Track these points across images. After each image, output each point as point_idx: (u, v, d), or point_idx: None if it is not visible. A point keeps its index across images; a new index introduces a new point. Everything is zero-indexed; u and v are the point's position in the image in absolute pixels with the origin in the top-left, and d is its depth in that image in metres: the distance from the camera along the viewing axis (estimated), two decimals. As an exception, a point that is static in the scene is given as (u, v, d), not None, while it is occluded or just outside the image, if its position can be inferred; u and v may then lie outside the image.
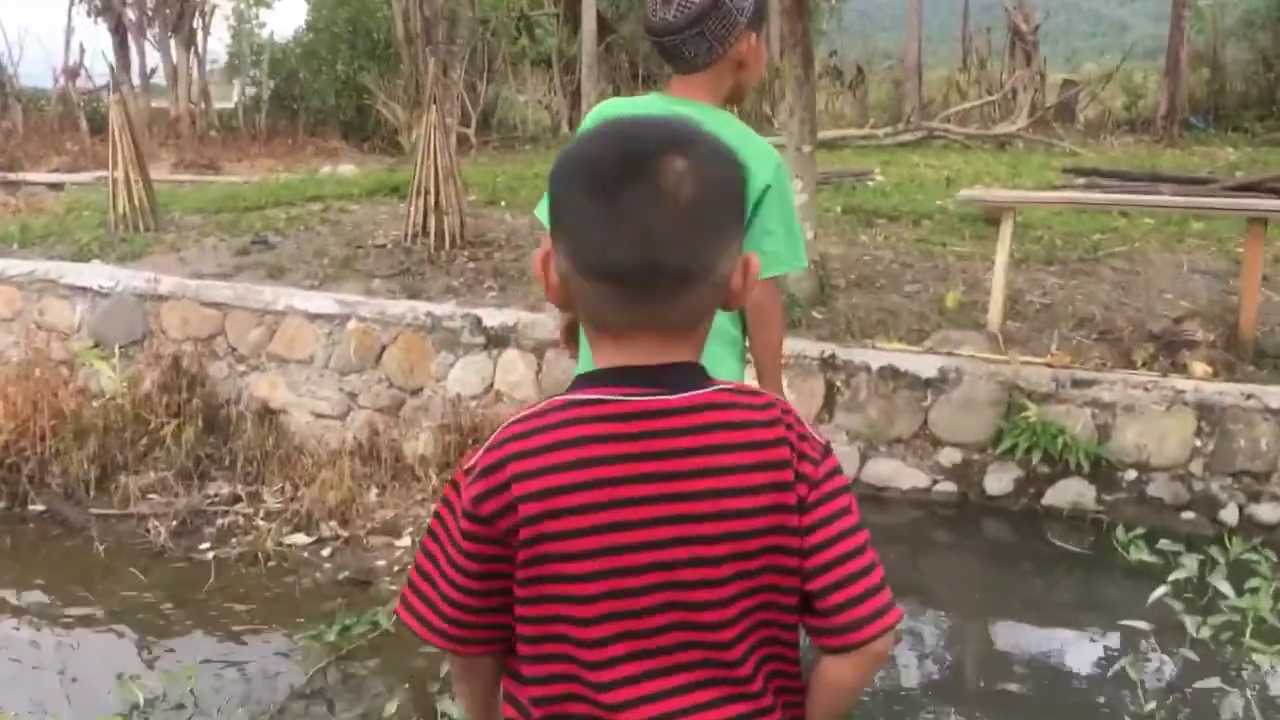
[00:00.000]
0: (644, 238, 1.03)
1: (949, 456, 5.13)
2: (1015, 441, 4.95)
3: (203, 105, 16.90)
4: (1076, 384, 5.01)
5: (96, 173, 13.69)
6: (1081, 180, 9.37)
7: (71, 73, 16.41)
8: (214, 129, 16.72)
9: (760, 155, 2.24)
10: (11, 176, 13.94)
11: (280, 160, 15.65)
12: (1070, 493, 4.95)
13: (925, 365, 5.19)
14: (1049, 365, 5.14)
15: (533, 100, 18.62)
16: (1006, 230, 5.45)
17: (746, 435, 1.12)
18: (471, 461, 1.13)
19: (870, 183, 9.99)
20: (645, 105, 2.41)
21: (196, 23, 16.68)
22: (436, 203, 6.64)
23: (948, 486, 5.12)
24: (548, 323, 5.56)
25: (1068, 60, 25.40)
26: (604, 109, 2.43)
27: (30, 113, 16.61)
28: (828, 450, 1.19)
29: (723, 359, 2.23)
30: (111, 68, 8.29)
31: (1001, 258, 5.46)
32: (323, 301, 5.91)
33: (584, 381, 1.15)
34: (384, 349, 5.78)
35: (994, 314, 5.50)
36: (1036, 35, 16.93)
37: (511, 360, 5.61)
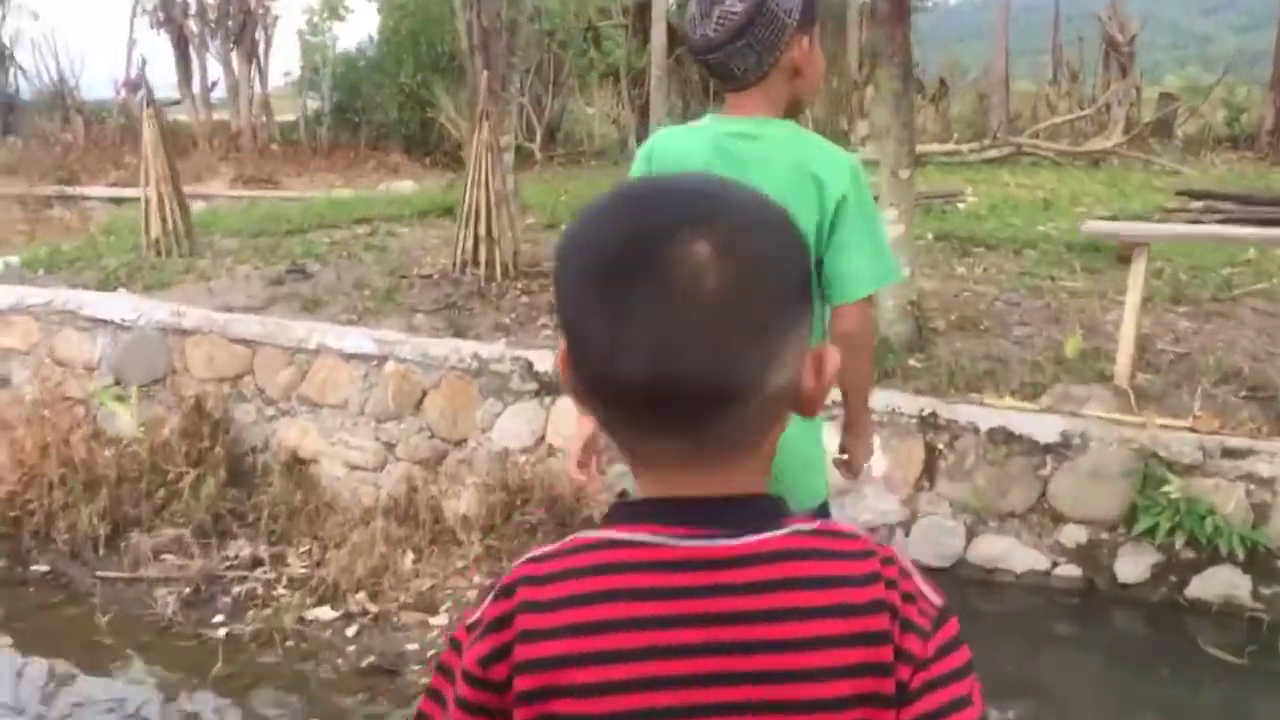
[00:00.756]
0: (655, 348, 0.80)
1: (1072, 535, 4.39)
2: (1155, 521, 4.19)
3: (264, 118, 16.57)
4: (1227, 454, 4.24)
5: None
6: (1198, 204, 8.54)
7: (132, 85, 16.16)
8: (274, 143, 16.39)
9: (833, 163, 2.11)
10: (69, 190, 13.71)
11: (340, 175, 15.28)
12: (1220, 584, 4.18)
13: (1044, 427, 4.45)
14: (1193, 430, 4.38)
15: (600, 114, 18.08)
16: (1139, 268, 4.69)
17: (832, 596, 0.85)
18: (475, 615, 0.90)
19: (961, 205, 9.25)
20: (699, 132, 2.22)
21: (259, 35, 16.35)
22: (489, 230, 6.04)
23: (1071, 570, 4.38)
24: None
25: (1147, 73, 24.31)
26: (657, 141, 2.30)
27: (91, 125, 16.41)
28: (944, 616, 0.89)
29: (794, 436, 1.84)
30: (146, 81, 7.82)
31: (1133, 299, 4.70)
32: (359, 339, 5.33)
33: (623, 515, 0.89)
34: (425, 394, 5.18)
35: (1122, 365, 4.75)
36: (1133, 46, 15.99)
37: (566, 410, 4.97)
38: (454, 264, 6.14)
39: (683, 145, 2.22)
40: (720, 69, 2.11)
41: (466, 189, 6.01)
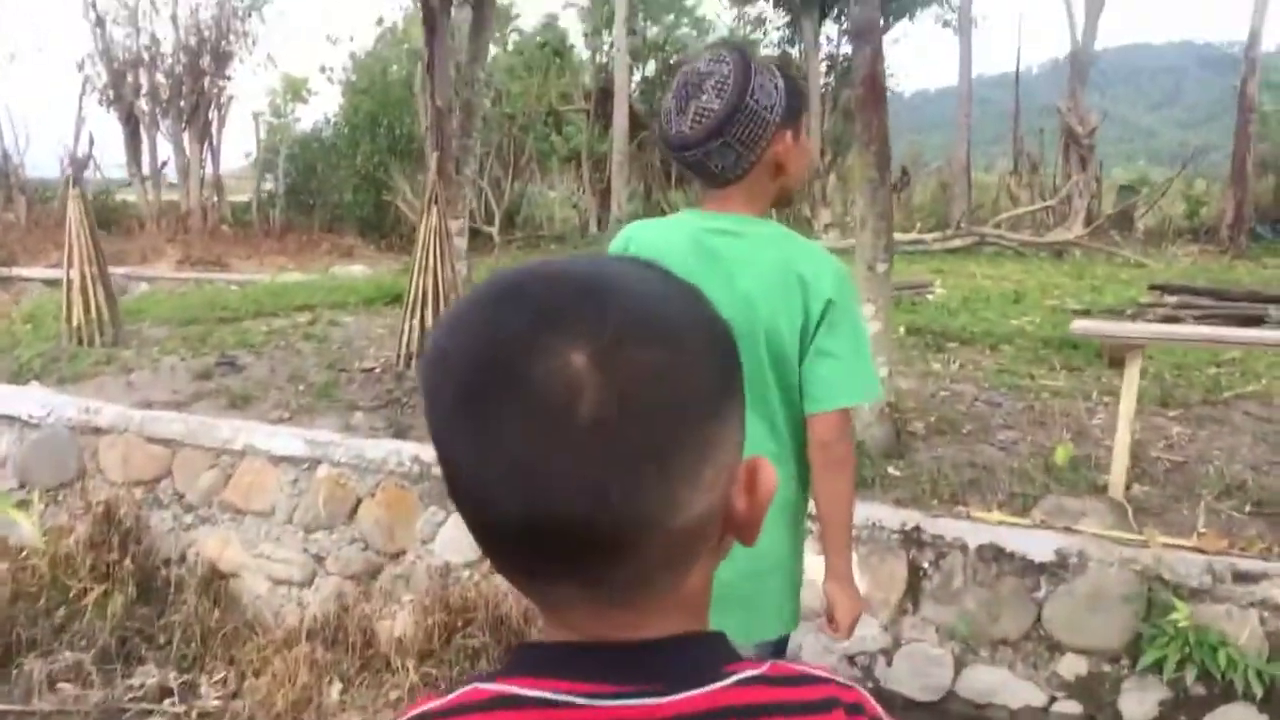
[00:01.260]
0: (525, 484, 0.64)
1: (1071, 666, 3.98)
2: (1163, 653, 3.79)
3: (215, 199, 16.16)
4: (1239, 577, 3.86)
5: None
6: (1172, 299, 8.31)
7: (79, 164, 15.73)
8: (226, 224, 15.97)
9: (820, 265, 1.99)
10: (6, 271, 13.21)
11: (292, 258, 14.90)
12: (1236, 723, 3.78)
13: (1038, 545, 4.06)
14: (1199, 550, 4.01)
15: (561, 197, 17.89)
16: (1133, 373, 4.36)
17: None
18: None
19: (930, 296, 8.98)
20: (678, 226, 2.08)
21: (212, 115, 16.02)
22: (436, 319, 5.63)
23: (1070, 707, 3.96)
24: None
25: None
26: (631, 235, 2.13)
27: (35, 205, 15.92)
28: None
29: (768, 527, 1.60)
30: (88, 158, 7.34)
31: (1127, 406, 4.37)
32: (289, 440, 4.88)
33: (526, 664, 0.72)
34: (359, 502, 4.72)
35: (1117, 475, 4.40)
36: (1093, 138, 16.05)
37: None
38: (398, 356, 5.71)
39: (658, 240, 2.06)
40: (698, 167, 1.97)
41: (413, 276, 5.62)
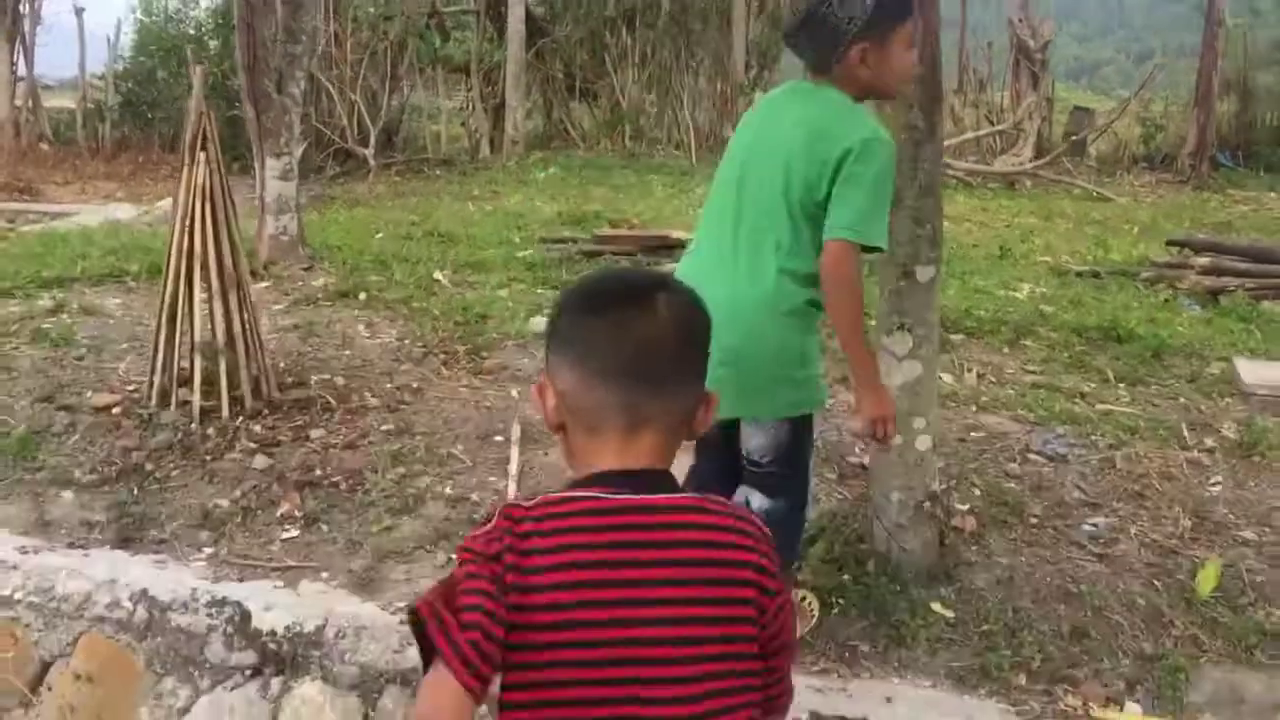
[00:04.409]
0: None
1: None
2: None
3: (30, 108, 13.57)
4: None
5: None
6: (1202, 260, 6.63)
7: None
8: (46, 142, 13.43)
9: (853, 124, 2.26)
10: None
11: (123, 183, 12.53)
12: None
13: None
14: None
15: (447, 114, 15.64)
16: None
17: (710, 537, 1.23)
18: None
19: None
20: (782, 90, 2.55)
21: (24, 9, 13.36)
22: (215, 330, 3.62)
23: None
24: (392, 628, 2.66)
25: (1000, 80, 23.01)
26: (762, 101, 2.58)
27: None
28: None
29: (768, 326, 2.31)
30: None
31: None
32: (-71, 558, 2.88)
33: (575, 484, 1.26)
34: (47, 667, 2.78)
35: (1308, 625, 2.66)
36: (1046, 53, 14.33)
37: (310, 705, 2.66)
38: (149, 385, 3.67)
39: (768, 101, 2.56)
40: (795, 51, 2.40)
41: (169, 260, 3.58)
